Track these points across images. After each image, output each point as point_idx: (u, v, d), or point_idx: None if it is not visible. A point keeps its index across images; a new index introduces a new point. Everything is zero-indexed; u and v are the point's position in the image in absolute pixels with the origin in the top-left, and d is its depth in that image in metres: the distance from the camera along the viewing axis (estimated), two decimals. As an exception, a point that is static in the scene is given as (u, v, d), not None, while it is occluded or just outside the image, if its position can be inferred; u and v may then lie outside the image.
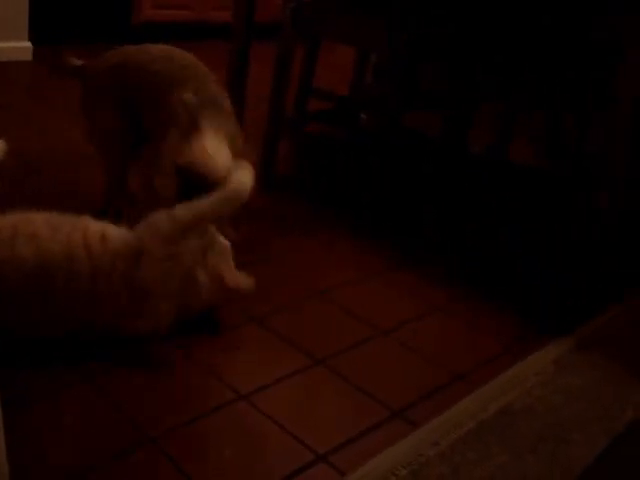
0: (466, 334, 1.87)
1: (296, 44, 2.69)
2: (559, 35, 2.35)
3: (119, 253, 1.47)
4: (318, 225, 2.37)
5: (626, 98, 2.06)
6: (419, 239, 2.40)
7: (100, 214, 1.65)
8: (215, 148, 1.71)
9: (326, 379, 1.61)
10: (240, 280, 1.60)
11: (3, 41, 3.62)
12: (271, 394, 1.52)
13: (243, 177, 1.53)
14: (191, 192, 1.56)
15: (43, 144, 2.69)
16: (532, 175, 2.99)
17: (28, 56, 3.79)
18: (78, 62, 2.12)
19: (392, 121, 2.66)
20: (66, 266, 1.41)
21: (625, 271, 2.36)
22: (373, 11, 2.52)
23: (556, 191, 2.79)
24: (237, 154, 1.76)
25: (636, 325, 2.03)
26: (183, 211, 1.49)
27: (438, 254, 2.30)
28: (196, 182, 1.64)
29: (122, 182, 2.12)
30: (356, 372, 1.64)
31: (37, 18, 3.86)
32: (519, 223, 2.61)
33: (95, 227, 1.51)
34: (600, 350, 1.87)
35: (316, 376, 1.61)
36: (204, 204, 1.49)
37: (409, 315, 1.92)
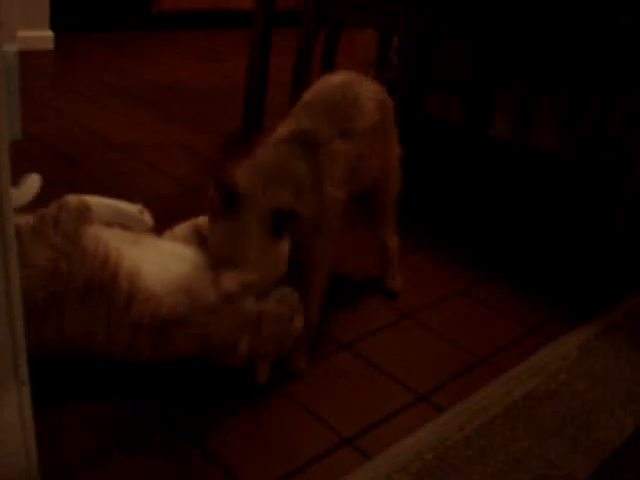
0: (489, 318, 1.87)
1: (317, 30, 2.69)
2: (581, 16, 2.33)
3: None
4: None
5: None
6: (440, 223, 2.40)
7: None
8: None
9: (350, 363, 1.61)
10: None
11: (25, 30, 3.64)
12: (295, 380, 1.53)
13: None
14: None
15: (70, 133, 2.70)
16: (554, 160, 2.97)
17: (50, 45, 3.81)
18: None
19: (411, 105, 2.65)
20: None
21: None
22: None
23: (577, 176, 2.77)
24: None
25: (661, 310, 2.02)
26: (231, 284, 1.39)
27: (460, 238, 2.30)
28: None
29: None
30: (380, 356, 1.64)
31: (58, 6, 3.87)
32: (543, 207, 2.60)
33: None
34: (624, 335, 1.86)
35: (341, 360, 1.62)
36: (252, 278, 1.40)
37: (432, 298, 1.92)
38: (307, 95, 1.69)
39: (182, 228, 1.61)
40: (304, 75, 2.70)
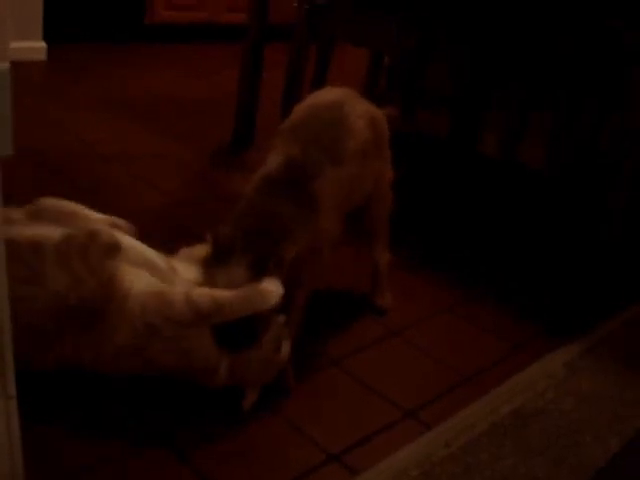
0: (475, 335, 1.88)
1: (309, 45, 2.70)
2: (572, 34, 2.35)
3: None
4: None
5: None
6: (427, 240, 2.41)
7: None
8: None
9: (337, 379, 1.61)
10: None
11: (18, 41, 3.64)
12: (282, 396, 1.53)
13: (273, 286, 1.39)
14: None
15: (60, 143, 2.70)
16: (542, 176, 2.99)
17: (43, 56, 3.81)
18: None
19: (404, 120, 2.67)
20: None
21: (636, 273, 2.36)
22: (385, 12, 2.52)
23: (565, 192, 2.79)
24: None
25: (647, 329, 2.03)
26: (203, 298, 1.36)
27: (447, 255, 2.31)
28: None
29: None
30: (368, 372, 1.65)
31: (50, 18, 3.87)
32: (529, 225, 2.61)
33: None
34: (610, 353, 1.87)
35: (329, 376, 1.62)
36: (225, 296, 1.37)
37: (419, 315, 1.93)
38: (295, 116, 1.67)
39: (201, 249, 1.55)
40: (295, 89, 2.71)
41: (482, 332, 1.89)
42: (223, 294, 1.36)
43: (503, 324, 1.94)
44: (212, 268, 1.42)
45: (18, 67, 3.56)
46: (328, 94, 1.73)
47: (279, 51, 2.93)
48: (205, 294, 1.36)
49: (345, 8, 2.64)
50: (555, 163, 2.85)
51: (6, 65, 0.86)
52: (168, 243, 2.00)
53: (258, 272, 1.38)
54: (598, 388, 1.71)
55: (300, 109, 1.69)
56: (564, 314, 2.06)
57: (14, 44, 3.60)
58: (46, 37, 3.84)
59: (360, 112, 1.68)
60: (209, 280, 1.42)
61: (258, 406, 1.46)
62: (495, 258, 2.35)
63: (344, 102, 1.67)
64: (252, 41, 2.90)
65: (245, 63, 2.95)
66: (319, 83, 3.21)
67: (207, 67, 4.45)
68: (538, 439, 1.49)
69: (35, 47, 3.77)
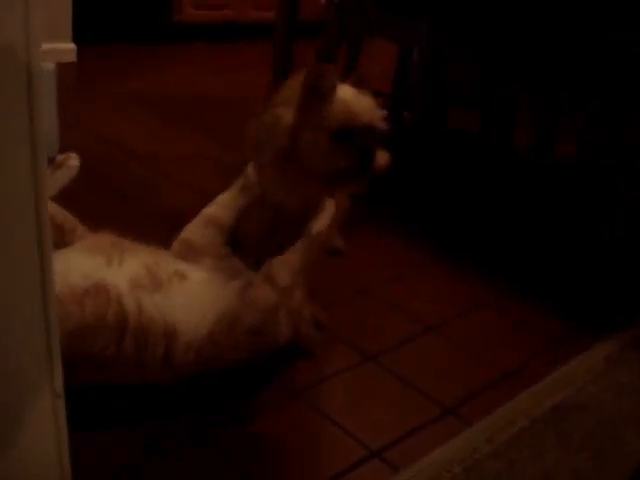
0: (513, 330, 1.87)
1: (339, 42, 2.70)
2: (598, 36, 2.33)
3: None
4: (360, 224, 2.37)
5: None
6: (458, 235, 2.40)
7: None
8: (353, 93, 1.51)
9: (376, 376, 1.61)
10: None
11: (48, 43, 3.67)
12: (322, 389, 1.53)
13: (320, 223, 1.47)
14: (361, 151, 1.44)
15: (92, 144, 2.72)
16: (576, 174, 2.97)
17: (72, 57, 3.84)
18: None
19: (431, 118, 2.66)
20: None
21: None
22: (415, 8, 2.52)
23: (597, 188, 2.77)
24: None
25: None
26: (283, 274, 1.41)
27: (480, 249, 2.29)
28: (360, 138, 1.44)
29: None
30: (405, 368, 1.64)
31: (80, 19, 3.90)
32: (569, 220, 2.59)
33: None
34: (651, 347, 1.85)
35: (366, 373, 1.62)
36: (296, 260, 1.42)
37: (455, 311, 1.92)
38: None
39: (195, 231, 1.57)
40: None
41: (519, 327, 1.88)
42: (295, 260, 1.41)
43: (541, 319, 1.93)
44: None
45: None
46: None
47: (307, 48, 2.92)
48: (284, 272, 1.41)
49: (372, 5, 2.63)
50: (585, 156, 2.83)
51: (52, 64, 0.87)
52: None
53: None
54: (638, 382, 1.70)
55: None
56: (604, 308, 2.04)
57: (44, 46, 3.62)
58: (75, 38, 3.87)
59: None
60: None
61: (297, 402, 1.46)
62: (530, 252, 2.33)
63: None
64: (281, 39, 2.90)
65: (275, 61, 2.95)
66: (348, 78, 3.20)
67: (233, 65, 4.46)
68: (580, 434, 1.48)
69: (65, 49, 3.81)
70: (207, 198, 2.36)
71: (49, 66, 0.77)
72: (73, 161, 1.65)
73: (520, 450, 1.40)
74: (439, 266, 2.15)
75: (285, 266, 1.41)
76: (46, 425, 0.98)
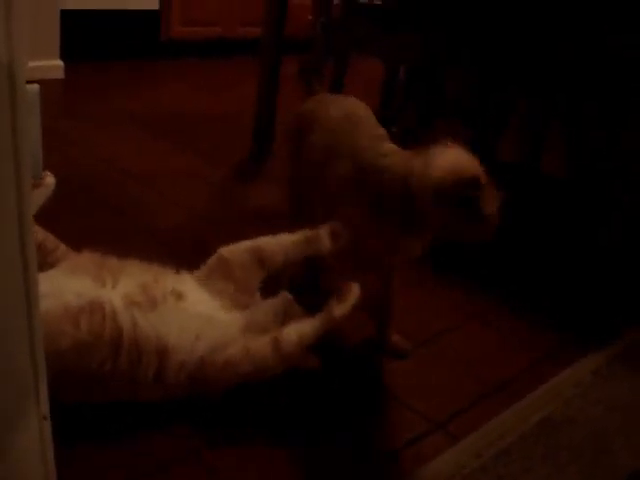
0: (502, 344, 1.87)
1: (326, 59, 2.71)
2: (583, 41, 2.35)
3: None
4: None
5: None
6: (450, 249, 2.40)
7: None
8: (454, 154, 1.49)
9: (366, 391, 1.61)
10: None
11: (35, 60, 3.67)
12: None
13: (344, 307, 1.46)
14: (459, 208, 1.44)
15: (81, 162, 2.72)
16: (563, 185, 2.98)
17: (60, 74, 3.84)
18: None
19: (420, 133, 2.67)
20: None
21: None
22: (401, 26, 2.53)
23: (585, 199, 2.78)
24: None
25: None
26: (290, 344, 1.39)
27: (472, 264, 2.30)
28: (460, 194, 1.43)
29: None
30: (396, 384, 1.64)
31: (67, 36, 3.90)
32: (553, 233, 2.60)
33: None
34: (638, 360, 1.86)
35: (354, 390, 1.62)
36: (308, 334, 1.41)
37: (444, 326, 1.92)
38: None
39: (237, 254, 1.50)
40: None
41: (509, 341, 1.89)
42: (306, 331, 1.41)
43: (530, 333, 1.93)
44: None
45: (37, 86, 3.59)
46: None
47: (295, 63, 2.93)
48: (293, 340, 1.39)
49: (358, 21, 2.65)
50: (573, 167, 2.84)
51: (36, 86, 0.87)
52: (193, 260, 2.02)
53: None
54: (626, 395, 1.70)
55: None
56: (592, 322, 2.04)
57: (31, 63, 3.63)
58: (63, 55, 3.87)
59: None
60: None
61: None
62: (519, 266, 2.34)
63: None
64: (268, 56, 2.91)
65: (262, 76, 2.96)
66: (336, 92, 3.22)
67: (223, 81, 4.47)
68: (568, 448, 1.48)
69: (52, 65, 3.81)
70: (195, 216, 2.37)
71: (33, 87, 0.77)
72: (49, 179, 1.65)
73: (509, 465, 1.40)
74: (431, 280, 2.16)
75: (295, 336, 1.40)
76: (33, 447, 0.98)
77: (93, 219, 2.24)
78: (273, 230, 2.30)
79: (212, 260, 1.49)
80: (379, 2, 3.12)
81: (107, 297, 1.35)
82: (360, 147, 1.61)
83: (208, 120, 3.52)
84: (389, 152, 1.58)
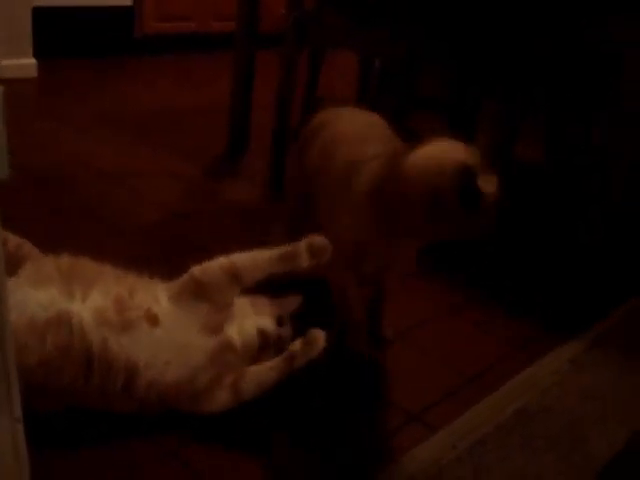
0: (478, 335, 1.88)
1: (299, 52, 2.70)
2: (561, 37, 2.36)
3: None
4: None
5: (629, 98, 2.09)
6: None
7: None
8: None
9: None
10: None
11: (8, 58, 3.65)
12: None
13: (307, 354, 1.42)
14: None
15: (55, 161, 2.70)
16: (538, 174, 3.00)
17: (33, 73, 3.81)
18: None
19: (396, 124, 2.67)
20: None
21: (634, 265, 2.36)
22: (374, 19, 2.53)
23: (560, 189, 2.80)
24: None
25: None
26: (248, 391, 1.40)
27: (447, 256, 2.31)
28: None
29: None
30: (370, 376, 1.65)
31: (40, 34, 3.88)
32: (528, 223, 2.62)
33: None
34: (615, 348, 1.87)
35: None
36: (268, 379, 1.40)
37: (420, 317, 1.93)
38: None
39: (209, 274, 1.43)
40: (287, 97, 2.71)
41: (485, 332, 1.89)
42: (265, 379, 1.40)
43: (506, 323, 1.94)
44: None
45: (9, 85, 3.56)
46: None
47: (271, 57, 2.93)
48: (250, 389, 1.40)
49: (332, 15, 2.64)
50: (551, 160, 2.87)
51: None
52: (170, 257, 2.02)
53: None
54: (602, 383, 1.72)
55: None
56: (567, 311, 2.06)
57: (4, 62, 3.60)
58: (36, 53, 3.84)
59: None
60: None
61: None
62: (494, 257, 2.35)
63: None
64: (242, 50, 2.91)
65: (236, 72, 2.95)
66: (312, 88, 3.22)
67: (198, 77, 4.46)
68: (544, 437, 1.49)
69: (25, 64, 3.78)
70: (172, 213, 2.37)
71: (-5, 89, 0.76)
72: None
73: (484, 455, 1.41)
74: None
75: (254, 382, 1.39)
76: (5, 449, 0.97)
77: (67, 220, 2.23)
78: (248, 225, 2.33)
79: (184, 279, 1.43)
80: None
81: (76, 311, 1.32)
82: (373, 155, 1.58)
83: (184, 116, 3.51)
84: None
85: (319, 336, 1.39)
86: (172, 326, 1.38)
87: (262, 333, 1.47)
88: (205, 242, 2.17)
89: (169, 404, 1.37)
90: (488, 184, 1.39)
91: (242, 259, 1.44)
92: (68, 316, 1.31)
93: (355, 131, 1.70)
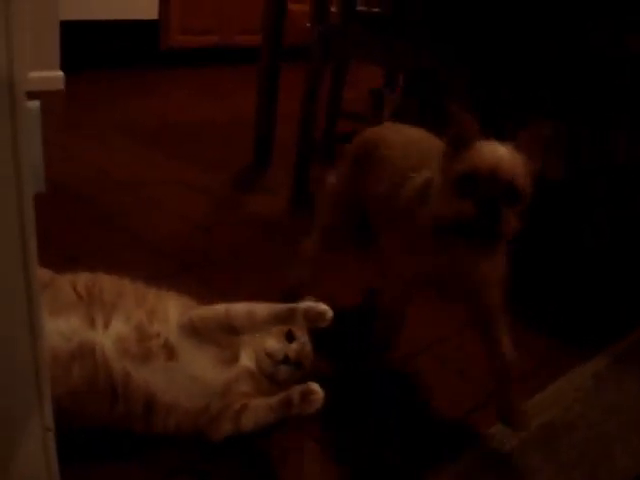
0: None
1: (325, 66, 2.72)
2: (578, 50, 2.36)
3: None
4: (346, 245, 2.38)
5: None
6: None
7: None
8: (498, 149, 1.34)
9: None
10: None
11: (36, 71, 3.69)
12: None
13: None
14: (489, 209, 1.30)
15: (82, 173, 2.73)
16: (558, 188, 2.99)
17: (60, 85, 3.86)
18: None
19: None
20: None
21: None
22: (399, 33, 2.55)
23: (582, 203, 2.78)
24: None
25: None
26: (249, 424, 1.39)
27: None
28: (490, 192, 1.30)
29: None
30: (398, 389, 1.65)
31: (67, 46, 3.92)
32: (551, 236, 2.61)
33: None
34: (637, 363, 1.86)
35: (354, 394, 1.63)
36: (265, 416, 1.39)
37: (443, 332, 1.92)
38: None
39: (208, 323, 1.43)
40: (312, 110, 2.73)
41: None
42: (262, 420, 1.39)
43: (524, 338, 1.93)
44: None
45: (36, 97, 3.60)
46: None
47: (294, 71, 2.95)
48: (249, 425, 1.39)
49: (357, 29, 2.66)
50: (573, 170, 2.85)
51: (36, 102, 0.87)
52: (190, 269, 2.03)
53: None
54: (627, 398, 1.71)
55: None
56: (591, 327, 2.04)
57: (32, 74, 3.64)
58: (63, 66, 3.89)
59: None
60: None
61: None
62: (515, 271, 2.34)
63: None
64: (267, 63, 2.93)
65: (261, 85, 2.98)
66: (335, 100, 3.23)
67: (222, 90, 4.49)
68: (569, 453, 1.49)
69: (53, 77, 3.82)
70: (194, 226, 2.38)
71: (34, 104, 0.78)
72: None
73: (510, 471, 1.41)
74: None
75: (253, 419, 1.38)
76: (37, 458, 0.99)
77: (89, 231, 2.25)
78: (270, 238, 2.34)
79: (185, 322, 1.42)
80: (377, 10, 3.14)
81: (98, 340, 1.33)
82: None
83: (208, 129, 3.54)
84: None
85: (317, 393, 1.34)
86: (187, 360, 1.39)
87: (271, 355, 1.47)
88: (225, 255, 2.19)
89: (185, 432, 1.39)
90: None
91: (239, 314, 1.42)
92: (91, 346, 1.32)
93: (412, 155, 1.59)
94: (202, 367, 1.39)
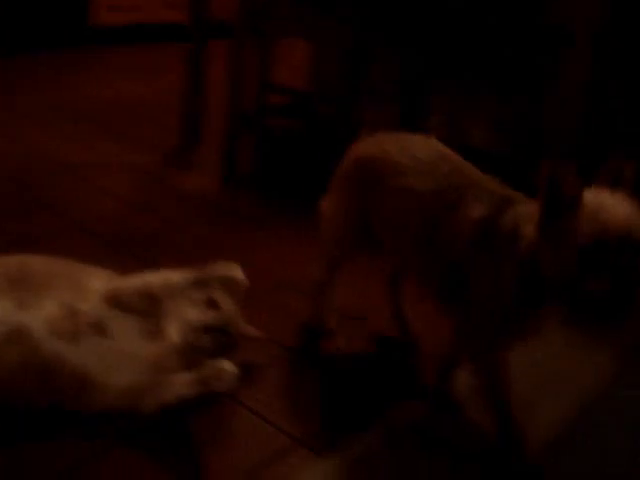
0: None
1: (250, 41, 2.72)
2: (510, 19, 2.40)
3: None
4: (279, 220, 2.41)
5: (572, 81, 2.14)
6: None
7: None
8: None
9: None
10: None
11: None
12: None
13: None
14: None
15: (11, 154, 2.71)
16: (492, 159, 3.04)
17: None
18: None
19: (346, 114, 2.70)
20: None
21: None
22: (323, 8, 2.56)
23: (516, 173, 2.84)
24: None
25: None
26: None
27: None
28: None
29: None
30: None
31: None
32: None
33: None
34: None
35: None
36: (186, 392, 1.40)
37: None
38: None
39: (128, 291, 1.44)
40: (239, 86, 2.73)
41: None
42: (188, 393, 1.39)
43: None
44: None
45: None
46: None
47: (221, 47, 2.94)
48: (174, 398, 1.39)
49: (283, 4, 2.67)
50: (505, 144, 2.90)
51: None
52: (129, 249, 2.03)
53: None
54: None
55: None
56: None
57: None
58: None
59: None
60: None
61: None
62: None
63: None
64: (193, 42, 2.93)
65: (188, 64, 2.97)
66: (264, 76, 3.23)
67: (150, 67, 4.46)
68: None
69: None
70: (128, 205, 2.37)
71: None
72: None
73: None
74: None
75: (176, 392, 1.39)
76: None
77: (23, 215, 2.23)
78: (201, 214, 2.35)
79: (109, 294, 1.43)
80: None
81: (29, 322, 1.34)
82: (487, 190, 1.40)
83: (140, 108, 3.51)
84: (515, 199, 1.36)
85: (227, 371, 1.38)
86: (116, 333, 1.40)
87: (191, 325, 1.47)
88: (158, 232, 2.21)
89: (118, 407, 1.40)
90: None
91: (156, 281, 1.45)
92: (22, 329, 1.33)
93: (436, 184, 1.44)
94: (130, 340, 1.40)
